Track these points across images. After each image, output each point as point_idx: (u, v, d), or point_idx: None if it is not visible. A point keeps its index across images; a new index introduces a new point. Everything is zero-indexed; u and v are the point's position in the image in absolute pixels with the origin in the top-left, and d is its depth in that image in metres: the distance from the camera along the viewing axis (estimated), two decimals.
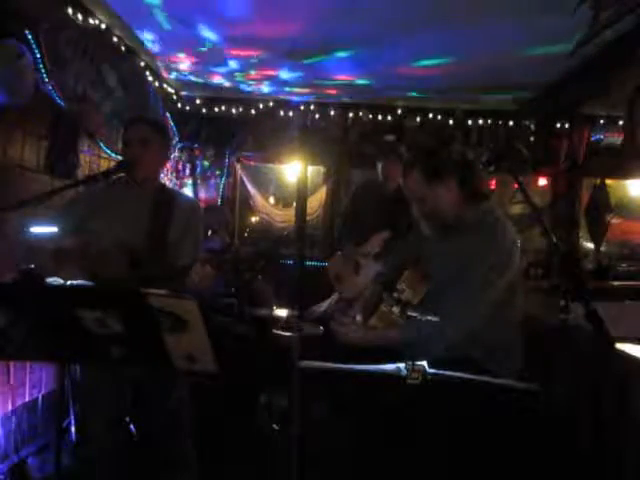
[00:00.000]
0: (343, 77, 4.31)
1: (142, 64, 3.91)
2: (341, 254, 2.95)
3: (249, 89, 4.71)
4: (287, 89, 4.70)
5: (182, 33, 3.46)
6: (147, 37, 3.58)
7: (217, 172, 5.26)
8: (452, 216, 1.90)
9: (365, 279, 2.51)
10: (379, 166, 3.30)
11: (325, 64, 3.97)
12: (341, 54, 3.78)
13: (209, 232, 3.55)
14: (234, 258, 1.89)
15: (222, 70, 4.27)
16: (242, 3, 3.01)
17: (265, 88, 4.71)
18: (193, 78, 4.46)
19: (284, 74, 4.29)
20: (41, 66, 2.66)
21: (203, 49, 3.74)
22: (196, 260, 1.88)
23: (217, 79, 4.50)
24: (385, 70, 4.06)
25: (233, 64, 4.10)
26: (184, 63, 4.13)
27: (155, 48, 3.78)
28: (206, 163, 5.24)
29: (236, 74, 4.36)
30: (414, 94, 4.63)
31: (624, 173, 5.04)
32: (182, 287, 1.87)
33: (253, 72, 4.28)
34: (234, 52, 3.83)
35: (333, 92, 4.74)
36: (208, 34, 3.47)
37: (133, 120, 2.21)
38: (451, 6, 2.88)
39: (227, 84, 4.59)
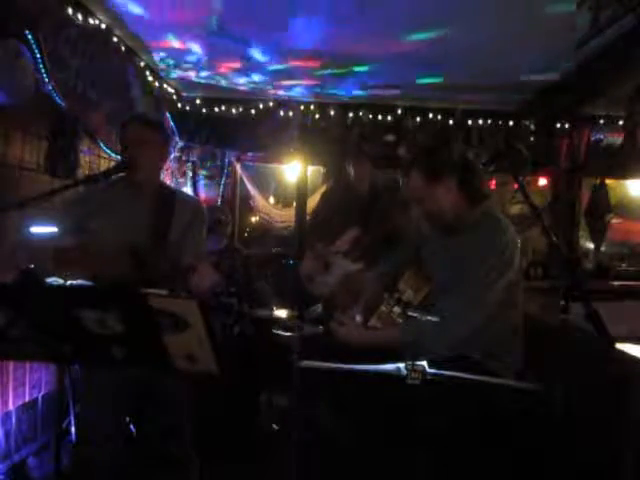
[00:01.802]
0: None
1: (142, 64, 3.91)
2: (310, 254, 2.94)
3: (249, 89, 4.72)
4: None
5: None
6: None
7: (217, 172, 5.27)
8: (452, 216, 1.90)
9: (335, 277, 2.52)
10: (349, 167, 3.31)
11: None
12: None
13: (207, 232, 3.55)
14: (242, 259, 1.90)
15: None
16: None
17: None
18: (196, 79, 4.47)
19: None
20: (41, 66, 2.66)
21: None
22: (198, 259, 1.88)
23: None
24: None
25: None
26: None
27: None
28: (206, 163, 5.24)
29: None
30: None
31: (624, 173, 5.04)
32: (184, 286, 1.87)
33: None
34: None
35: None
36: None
37: (131, 120, 2.19)
38: (451, 6, 2.89)
39: (227, 84, 4.59)
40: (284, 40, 3.46)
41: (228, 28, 3.32)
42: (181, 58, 3.94)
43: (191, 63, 4.04)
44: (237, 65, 4.04)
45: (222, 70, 4.19)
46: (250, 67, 4.05)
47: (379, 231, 2.83)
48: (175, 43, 3.62)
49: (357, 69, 3.98)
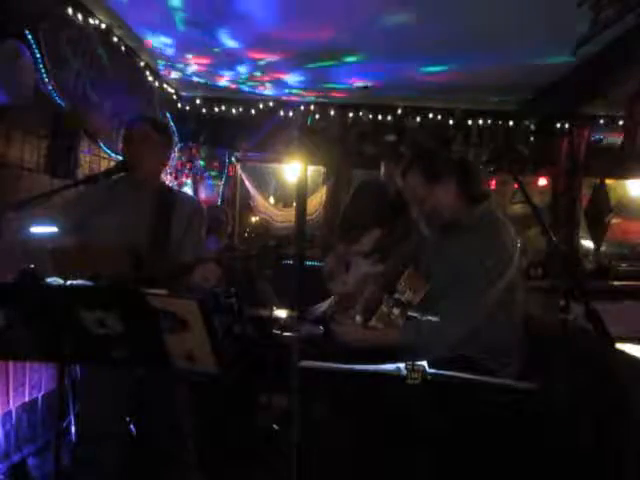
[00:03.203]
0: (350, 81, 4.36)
1: (142, 64, 3.91)
2: (333, 253, 2.96)
3: (249, 90, 4.72)
4: (291, 91, 4.73)
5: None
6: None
7: (217, 172, 5.27)
8: (452, 216, 1.90)
9: (353, 277, 2.54)
10: (382, 166, 3.31)
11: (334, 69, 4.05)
12: (349, 59, 3.84)
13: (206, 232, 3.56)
14: (244, 255, 1.90)
15: (229, 74, 4.31)
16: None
17: (268, 91, 4.73)
18: (195, 78, 4.47)
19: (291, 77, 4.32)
20: (41, 66, 2.66)
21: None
22: (199, 258, 1.88)
23: (222, 81, 4.52)
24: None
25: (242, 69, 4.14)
26: (191, 65, 4.14)
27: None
28: (206, 163, 5.24)
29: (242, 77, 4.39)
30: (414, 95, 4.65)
31: (624, 173, 5.04)
32: (185, 285, 1.87)
33: (259, 74, 4.31)
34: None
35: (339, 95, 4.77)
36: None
37: (134, 120, 2.21)
38: (452, 7, 2.89)
39: (228, 84, 4.59)
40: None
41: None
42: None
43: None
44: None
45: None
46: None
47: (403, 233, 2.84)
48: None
49: (348, 59, 3.90)
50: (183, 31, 3.42)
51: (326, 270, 2.79)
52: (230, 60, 3.98)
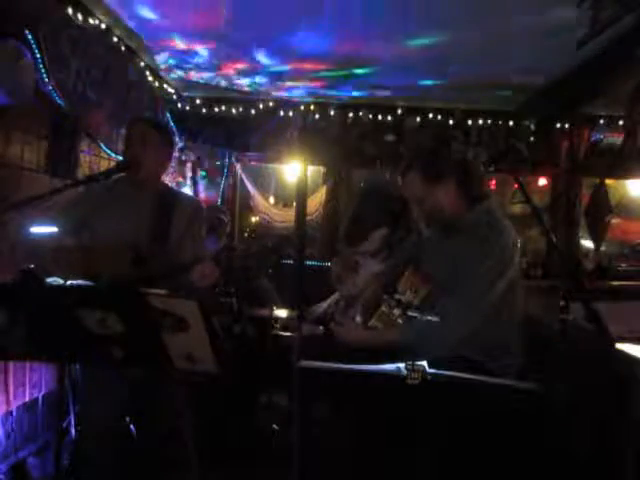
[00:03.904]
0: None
1: (142, 64, 3.91)
2: (340, 256, 2.97)
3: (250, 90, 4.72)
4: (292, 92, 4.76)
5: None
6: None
7: (217, 172, 5.26)
8: (452, 216, 1.90)
9: (364, 277, 2.54)
10: (378, 165, 3.32)
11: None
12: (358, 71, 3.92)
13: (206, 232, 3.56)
14: (243, 254, 1.90)
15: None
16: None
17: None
18: (196, 79, 4.47)
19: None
20: (41, 66, 2.66)
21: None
22: (198, 258, 1.88)
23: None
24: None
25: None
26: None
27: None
28: (206, 163, 5.24)
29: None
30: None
31: (624, 173, 5.03)
32: (184, 285, 1.87)
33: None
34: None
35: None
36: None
37: (134, 120, 2.21)
38: (452, 6, 2.89)
39: (228, 85, 4.59)
40: (289, 43, 3.45)
41: (234, 32, 3.32)
42: (184, 59, 3.93)
43: (193, 64, 4.04)
44: (242, 66, 4.04)
45: (225, 71, 4.19)
46: (254, 69, 4.06)
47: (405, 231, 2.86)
48: (180, 44, 3.62)
49: (358, 71, 3.97)
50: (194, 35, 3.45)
51: (334, 274, 2.79)
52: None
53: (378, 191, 3.43)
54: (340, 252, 3.11)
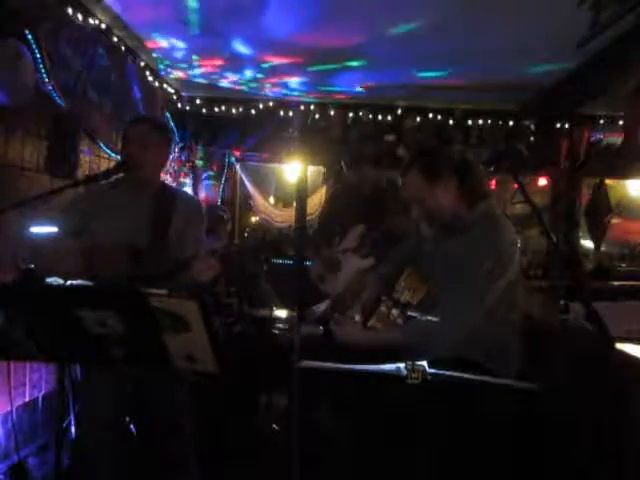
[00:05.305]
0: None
1: (142, 64, 3.91)
2: (320, 256, 2.99)
3: (250, 90, 4.72)
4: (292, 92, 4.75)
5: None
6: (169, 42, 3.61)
7: (217, 172, 5.27)
8: (451, 216, 1.90)
9: (349, 274, 2.56)
10: (343, 165, 3.38)
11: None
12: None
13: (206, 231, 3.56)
14: (240, 249, 1.90)
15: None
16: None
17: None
18: (196, 79, 4.47)
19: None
20: (41, 66, 2.66)
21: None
22: (197, 256, 1.88)
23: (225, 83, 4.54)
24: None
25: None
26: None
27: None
28: (206, 163, 5.24)
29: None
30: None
31: (624, 173, 5.04)
32: (183, 283, 1.87)
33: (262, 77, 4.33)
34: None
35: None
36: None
37: (133, 120, 2.21)
38: (452, 7, 2.89)
39: (229, 85, 4.59)
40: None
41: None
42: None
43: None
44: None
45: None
46: (237, 63, 4.00)
47: (382, 228, 2.89)
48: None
49: (351, 64, 3.93)
50: (192, 33, 3.43)
51: (314, 274, 2.81)
52: (238, 64, 4.02)
53: (343, 194, 3.47)
54: (319, 252, 3.12)
